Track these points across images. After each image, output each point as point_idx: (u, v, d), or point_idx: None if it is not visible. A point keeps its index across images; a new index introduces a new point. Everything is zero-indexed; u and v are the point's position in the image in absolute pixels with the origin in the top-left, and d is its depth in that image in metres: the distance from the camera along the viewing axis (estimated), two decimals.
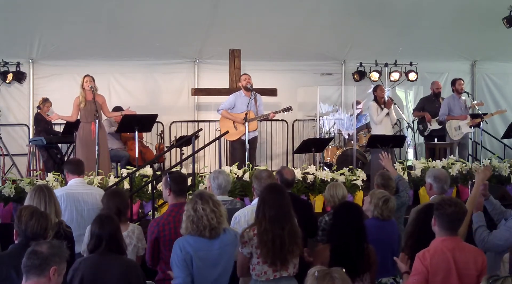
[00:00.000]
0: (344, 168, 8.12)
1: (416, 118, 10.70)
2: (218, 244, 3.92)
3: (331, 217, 4.60)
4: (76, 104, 8.13)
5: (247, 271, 4.09)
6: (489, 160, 8.74)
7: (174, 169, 7.57)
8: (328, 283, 2.84)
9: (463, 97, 9.82)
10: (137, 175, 7.35)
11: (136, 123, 8.14)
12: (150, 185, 7.01)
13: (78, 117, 8.21)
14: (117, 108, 9.23)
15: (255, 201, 4.72)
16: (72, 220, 5.24)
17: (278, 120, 10.78)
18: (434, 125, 10.04)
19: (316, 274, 2.88)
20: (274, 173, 5.26)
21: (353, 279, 3.95)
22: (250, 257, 4.01)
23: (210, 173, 5.28)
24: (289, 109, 8.76)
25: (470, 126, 9.72)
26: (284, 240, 3.93)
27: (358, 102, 10.40)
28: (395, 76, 11.68)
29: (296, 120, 11.27)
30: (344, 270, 3.02)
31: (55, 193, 5.30)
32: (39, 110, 9.60)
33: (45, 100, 9.60)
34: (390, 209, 4.71)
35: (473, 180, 4.78)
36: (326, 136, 10.05)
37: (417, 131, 10.49)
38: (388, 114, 9.30)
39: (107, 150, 8.37)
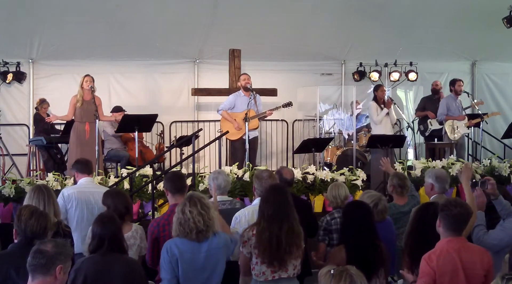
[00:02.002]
0: (344, 168, 8.12)
1: (417, 118, 10.70)
2: (205, 247, 3.90)
3: (341, 217, 4.61)
4: (72, 103, 8.12)
5: (248, 271, 4.10)
6: (489, 160, 8.74)
7: (174, 169, 7.57)
8: (346, 280, 2.83)
9: (459, 99, 9.82)
10: (137, 175, 7.35)
11: (136, 123, 8.13)
12: (150, 185, 7.01)
13: (73, 117, 8.20)
14: (117, 108, 9.23)
15: (256, 201, 4.73)
16: (83, 218, 5.25)
17: (278, 120, 10.78)
18: (435, 125, 10.03)
19: (332, 272, 2.87)
20: (274, 173, 5.27)
21: (371, 276, 3.98)
22: (250, 257, 4.02)
23: (210, 173, 5.28)
24: (289, 104, 8.76)
25: (468, 127, 9.72)
26: (281, 240, 3.93)
27: (356, 103, 10.39)
28: (395, 76, 11.67)
29: (296, 120, 11.27)
30: (359, 268, 3.00)
31: (66, 192, 5.36)
32: (37, 111, 9.60)
33: (42, 102, 9.61)
34: (382, 211, 4.72)
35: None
36: (326, 136, 10.05)
37: (418, 132, 10.49)
38: (388, 114, 9.30)
39: (101, 151, 8.35)
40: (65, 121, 8.89)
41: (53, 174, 7.21)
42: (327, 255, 4.75)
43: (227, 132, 8.34)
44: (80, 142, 8.05)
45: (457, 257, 3.62)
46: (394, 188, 5.40)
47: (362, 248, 4.05)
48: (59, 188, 6.94)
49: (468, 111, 10.23)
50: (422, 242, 3.90)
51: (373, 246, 4.10)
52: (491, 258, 3.75)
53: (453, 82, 9.87)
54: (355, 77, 11.78)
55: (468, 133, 10.21)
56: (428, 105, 10.31)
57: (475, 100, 10.34)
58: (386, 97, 9.45)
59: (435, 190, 5.09)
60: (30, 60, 10.25)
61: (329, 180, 7.60)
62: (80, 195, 5.35)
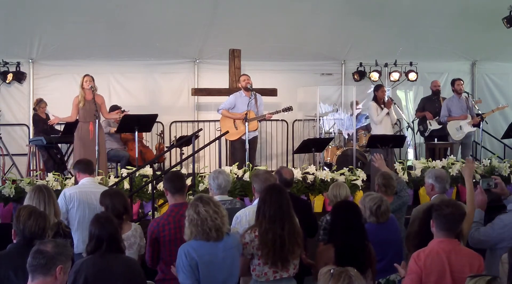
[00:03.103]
0: (344, 168, 8.12)
1: (417, 118, 10.70)
2: (222, 248, 3.87)
3: (330, 216, 4.61)
4: (75, 104, 8.11)
5: (247, 271, 4.10)
6: (489, 160, 8.74)
7: (174, 169, 7.57)
8: (345, 281, 2.84)
9: (464, 96, 9.79)
10: (137, 175, 7.35)
11: (136, 123, 8.13)
12: (150, 185, 7.01)
13: (77, 117, 8.20)
14: (114, 107, 9.22)
15: (256, 201, 4.73)
16: (84, 218, 5.23)
17: (278, 120, 10.77)
18: (434, 125, 10.04)
19: (331, 272, 2.88)
20: (273, 173, 5.26)
21: None
22: (251, 258, 4.02)
23: (210, 172, 5.28)
24: (289, 109, 8.75)
25: (473, 125, 9.70)
26: (284, 240, 3.94)
27: (356, 103, 10.38)
28: (395, 76, 11.67)
29: (296, 120, 11.27)
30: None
31: (67, 191, 5.36)
32: (35, 111, 9.60)
33: (40, 101, 9.60)
34: (385, 212, 4.69)
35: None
36: (326, 136, 10.05)
37: (418, 132, 10.49)
38: (388, 114, 9.29)
39: (105, 151, 8.36)
40: (65, 122, 8.88)
41: (53, 174, 7.21)
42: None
43: (227, 132, 8.34)
44: (84, 142, 8.05)
45: (446, 259, 3.61)
46: (378, 187, 5.42)
47: (350, 248, 4.05)
48: (59, 188, 6.95)
49: None
50: (426, 243, 3.87)
51: (362, 246, 4.10)
52: (482, 263, 3.72)
53: (452, 82, 9.90)
54: (355, 77, 11.78)
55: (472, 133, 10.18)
56: (428, 105, 10.32)
57: (474, 100, 10.33)
58: (386, 97, 9.45)
59: (436, 190, 5.09)
60: (30, 60, 10.25)
61: (329, 180, 7.60)
62: (82, 195, 5.36)
